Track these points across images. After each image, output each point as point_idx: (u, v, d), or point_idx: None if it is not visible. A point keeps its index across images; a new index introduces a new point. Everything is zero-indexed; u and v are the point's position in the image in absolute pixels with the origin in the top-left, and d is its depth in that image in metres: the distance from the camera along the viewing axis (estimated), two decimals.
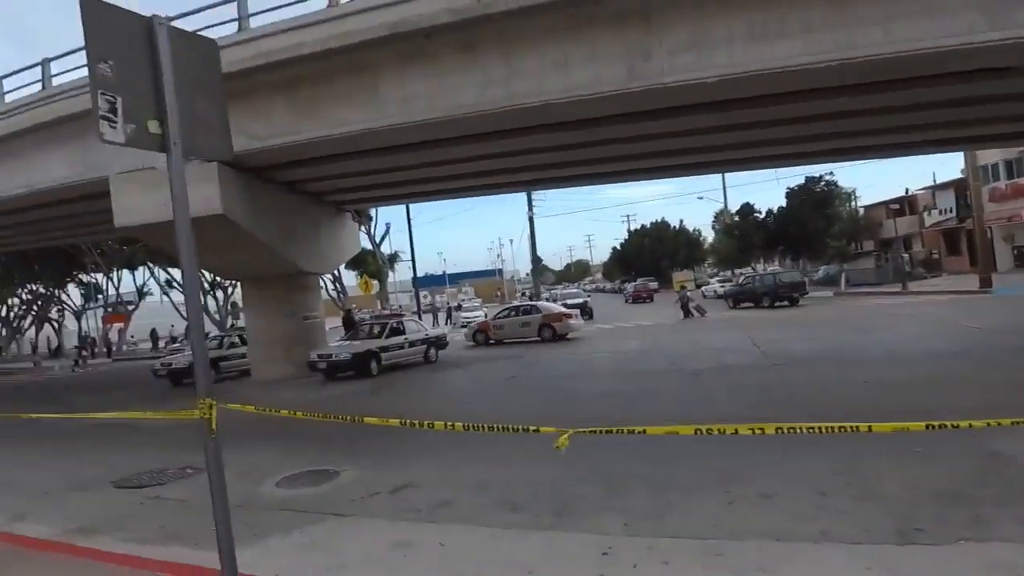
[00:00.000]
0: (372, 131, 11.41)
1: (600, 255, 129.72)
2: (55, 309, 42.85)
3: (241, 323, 29.00)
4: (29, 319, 42.77)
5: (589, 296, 35.05)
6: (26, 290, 40.03)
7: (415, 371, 15.84)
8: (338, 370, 15.11)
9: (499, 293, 67.32)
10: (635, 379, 11.59)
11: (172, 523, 5.22)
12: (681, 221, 73.67)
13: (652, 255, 65.73)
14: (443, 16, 10.05)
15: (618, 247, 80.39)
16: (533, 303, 24.71)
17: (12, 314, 42.01)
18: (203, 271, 34.07)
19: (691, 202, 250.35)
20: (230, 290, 35.89)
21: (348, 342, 16.16)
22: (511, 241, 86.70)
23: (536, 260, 27.50)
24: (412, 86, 11.01)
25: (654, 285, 52.14)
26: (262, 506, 5.50)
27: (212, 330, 28.29)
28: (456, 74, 10.71)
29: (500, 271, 77.95)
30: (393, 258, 36.48)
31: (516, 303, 26.91)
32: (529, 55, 10.20)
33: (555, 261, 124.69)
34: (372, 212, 29.92)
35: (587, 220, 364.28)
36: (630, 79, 9.68)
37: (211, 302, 35.72)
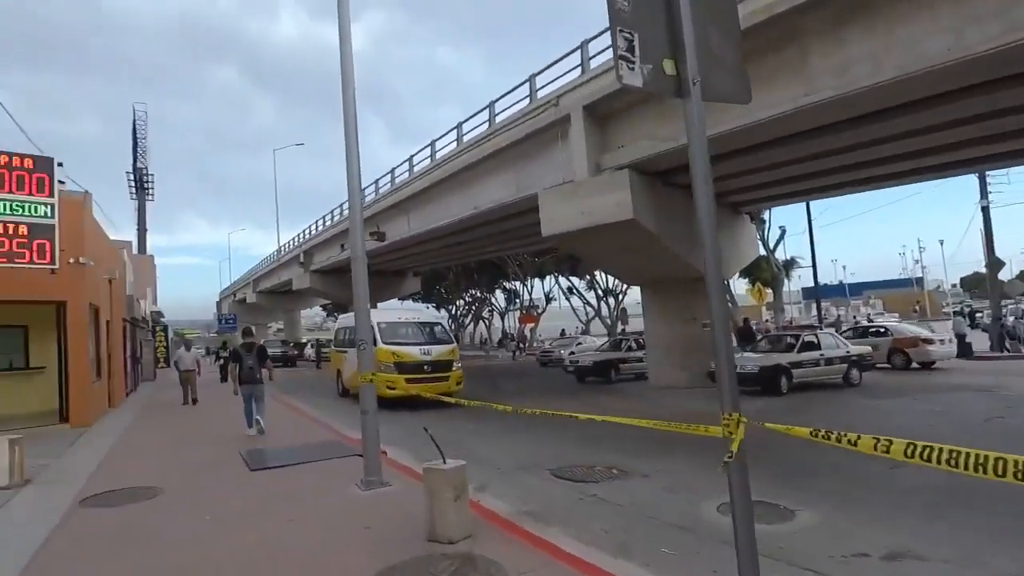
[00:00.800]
0: (797, 111, 9.94)
1: None
2: (487, 310, 53.79)
3: (630, 328, 30.39)
4: (469, 317, 55.26)
5: None
6: (467, 294, 51.82)
7: (835, 394, 13.41)
8: (741, 383, 13.89)
9: (918, 307, 55.15)
10: None
11: (615, 530, 4.98)
12: None
13: None
14: None
15: None
16: (884, 324, 20.93)
17: (459, 312, 55.22)
18: (599, 276, 37.32)
19: None
20: (620, 297, 38.17)
21: (752, 354, 14.76)
22: (941, 242, 69.21)
23: (995, 264, 20.74)
24: (850, 49, 9.21)
25: None
26: (708, 533, 4.82)
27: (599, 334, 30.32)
28: (916, 21, 8.51)
29: (920, 280, 63.66)
30: (790, 264, 32.92)
31: (865, 323, 24.03)
32: None
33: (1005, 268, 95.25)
34: (765, 215, 27.56)
35: None
36: None
37: (603, 307, 38.68)
